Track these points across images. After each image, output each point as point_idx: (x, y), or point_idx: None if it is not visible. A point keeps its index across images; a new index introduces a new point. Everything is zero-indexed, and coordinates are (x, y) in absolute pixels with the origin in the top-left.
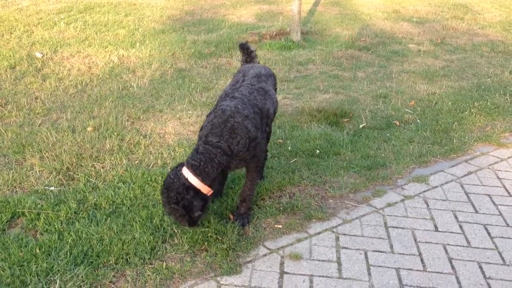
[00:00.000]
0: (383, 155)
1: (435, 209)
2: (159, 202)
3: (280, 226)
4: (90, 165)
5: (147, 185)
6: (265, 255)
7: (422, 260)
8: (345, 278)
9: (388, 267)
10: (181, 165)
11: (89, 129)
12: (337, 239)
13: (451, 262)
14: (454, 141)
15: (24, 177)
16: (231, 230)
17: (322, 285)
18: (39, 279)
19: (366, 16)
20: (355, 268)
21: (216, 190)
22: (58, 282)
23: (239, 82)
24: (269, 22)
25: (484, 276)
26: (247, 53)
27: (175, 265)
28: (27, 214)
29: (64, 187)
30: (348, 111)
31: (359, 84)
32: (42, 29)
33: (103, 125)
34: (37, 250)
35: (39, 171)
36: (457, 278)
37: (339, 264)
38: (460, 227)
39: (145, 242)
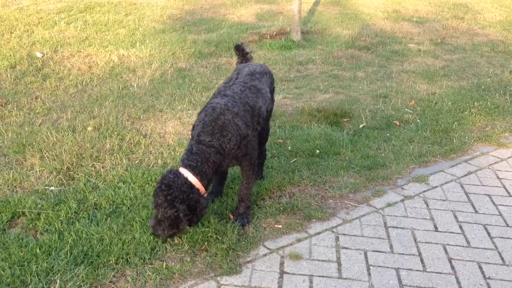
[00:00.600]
0: (383, 155)
1: (435, 209)
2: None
3: (280, 226)
4: (90, 165)
5: (147, 185)
6: (265, 255)
7: (422, 260)
8: (345, 278)
9: (388, 267)
10: (170, 171)
11: (89, 128)
12: (337, 239)
13: (450, 262)
14: (454, 141)
15: (25, 177)
16: (231, 230)
17: (322, 285)
18: (39, 279)
19: (366, 15)
20: (355, 268)
21: (216, 190)
22: (58, 282)
23: (232, 80)
24: (269, 22)
25: (484, 276)
26: (242, 55)
27: (175, 265)
28: (27, 214)
29: (64, 187)
30: (348, 111)
31: (359, 84)
32: (42, 29)
33: (103, 124)
34: (37, 250)
35: (39, 170)
36: (456, 278)
37: (339, 264)
38: (460, 227)
39: (145, 242)
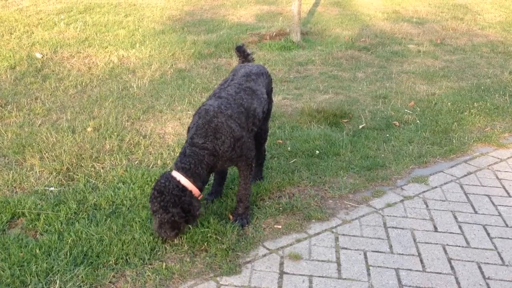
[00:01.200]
0: (382, 155)
1: (434, 209)
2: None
3: (280, 227)
4: (90, 166)
5: (147, 186)
6: (264, 255)
7: (421, 261)
8: (345, 279)
9: (388, 268)
10: (162, 176)
11: (89, 129)
12: (337, 239)
13: (450, 263)
14: (454, 141)
15: (24, 178)
16: (230, 230)
17: (321, 285)
18: (39, 280)
19: (366, 16)
20: (354, 268)
21: (216, 191)
22: (58, 282)
23: (228, 82)
24: (269, 23)
25: (483, 277)
26: (244, 56)
27: (175, 266)
28: (27, 215)
29: (64, 187)
30: (348, 112)
31: (359, 85)
32: (42, 30)
33: (103, 125)
34: (37, 251)
35: (39, 171)
36: (456, 278)
37: (339, 264)
38: (460, 227)
39: (145, 243)
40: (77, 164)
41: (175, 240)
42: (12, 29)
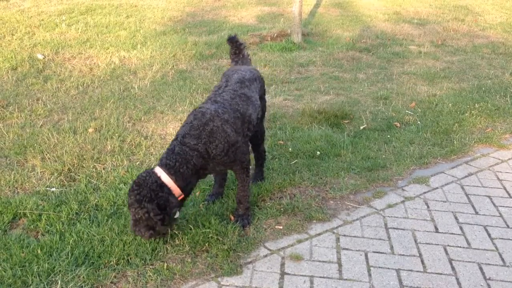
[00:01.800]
0: (383, 156)
1: (435, 210)
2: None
3: (281, 227)
4: (91, 166)
5: None
6: (265, 256)
7: (422, 261)
8: (346, 279)
9: (389, 268)
10: (145, 171)
11: (90, 130)
12: (338, 240)
13: (451, 263)
14: (455, 142)
15: (26, 178)
16: (231, 231)
17: (322, 286)
18: (41, 280)
19: (367, 17)
20: (355, 269)
21: (216, 192)
22: (59, 282)
23: (222, 88)
24: (270, 24)
25: (484, 277)
26: (236, 46)
27: (176, 266)
28: (28, 215)
29: (66, 188)
30: (349, 113)
31: (360, 86)
32: (43, 31)
33: (104, 126)
34: (39, 251)
35: (40, 172)
36: (457, 279)
37: (340, 265)
38: (461, 228)
39: (146, 243)
40: (78, 165)
41: (176, 240)
42: (14, 30)
